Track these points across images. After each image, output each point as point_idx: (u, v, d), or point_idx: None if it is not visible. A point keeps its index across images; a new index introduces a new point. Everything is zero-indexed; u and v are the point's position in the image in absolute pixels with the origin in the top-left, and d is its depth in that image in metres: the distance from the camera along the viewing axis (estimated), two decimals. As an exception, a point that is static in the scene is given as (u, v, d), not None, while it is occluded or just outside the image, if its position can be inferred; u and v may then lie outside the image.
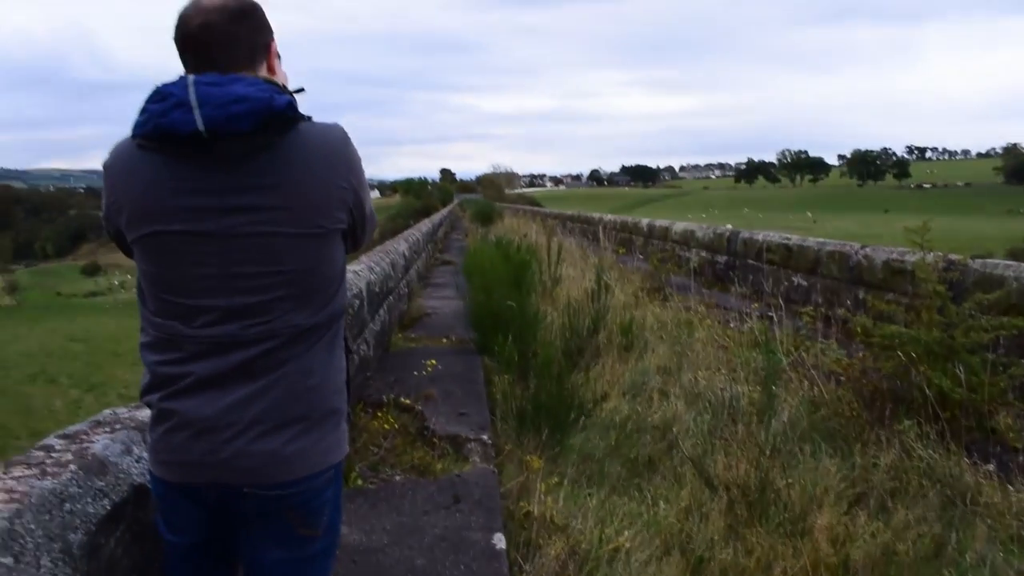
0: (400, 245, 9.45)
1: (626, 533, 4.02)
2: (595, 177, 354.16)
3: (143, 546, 1.82)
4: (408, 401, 5.16)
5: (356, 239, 1.84)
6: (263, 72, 1.73)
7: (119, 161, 1.66)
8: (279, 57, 1.80)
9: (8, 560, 1.39)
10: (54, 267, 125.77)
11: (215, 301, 1.61)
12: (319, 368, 1.69)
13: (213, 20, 1.63)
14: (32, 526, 1.49)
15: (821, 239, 10.17)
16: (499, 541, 3.48)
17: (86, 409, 35.53)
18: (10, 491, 1.56)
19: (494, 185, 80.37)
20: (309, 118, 1.68)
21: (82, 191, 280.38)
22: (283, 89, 1.66)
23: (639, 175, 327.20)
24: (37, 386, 39.71)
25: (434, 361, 6.28)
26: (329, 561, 1.84)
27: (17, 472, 1.66)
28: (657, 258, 13.30)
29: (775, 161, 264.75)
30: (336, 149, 1.69)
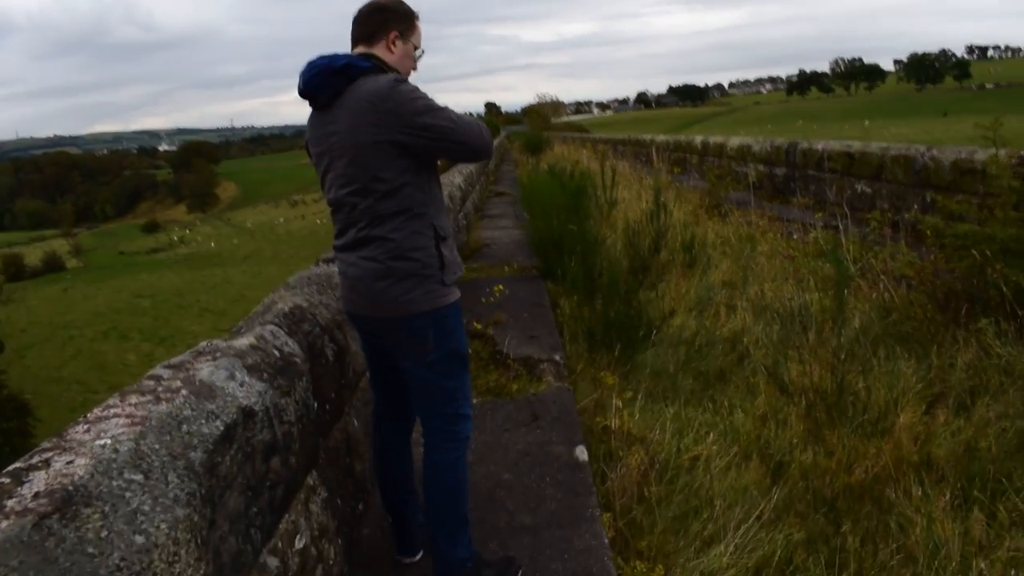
0: (455, 178, 9.45)
1: (704, 442, 4.05)
2: (642, 100, 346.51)
3: (253, 465, 1.89)
4: (479, 327, 5.22)
5: (446, 151, 2.42)
6: (379, 49, 2.49)
7: None
8: (401, 40, 2.52)
9: (139, 477, 1.47)
10: (115, 227, 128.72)
11: (336, 195, 2.46)
12: (398, 243, 2.39)
13: (363, 9, 2.52)
14: (156, 446, 1.56)
15: (884, 144, 9.88)
16: (581, 453, 3.54)
17: (158, 361, 36.65)
18: (130, 416, 1.63)
19: (540, 115, 79.12)
20: (380, 70, 2.40)
21: (135, 151, 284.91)
22: (372, 58, 2.43)
23: (687, 95, 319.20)
24: (110, 342, 41.14)
25: (502, 287, 6.32)
26: (450, 366, 2.53)
27: (133, 399, 1.74)
28: (714, 175, 13.07)
29: (828, 71, 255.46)
30: (377, 90, 2.31)
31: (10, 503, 1.29)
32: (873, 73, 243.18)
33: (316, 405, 2.44)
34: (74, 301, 52.05)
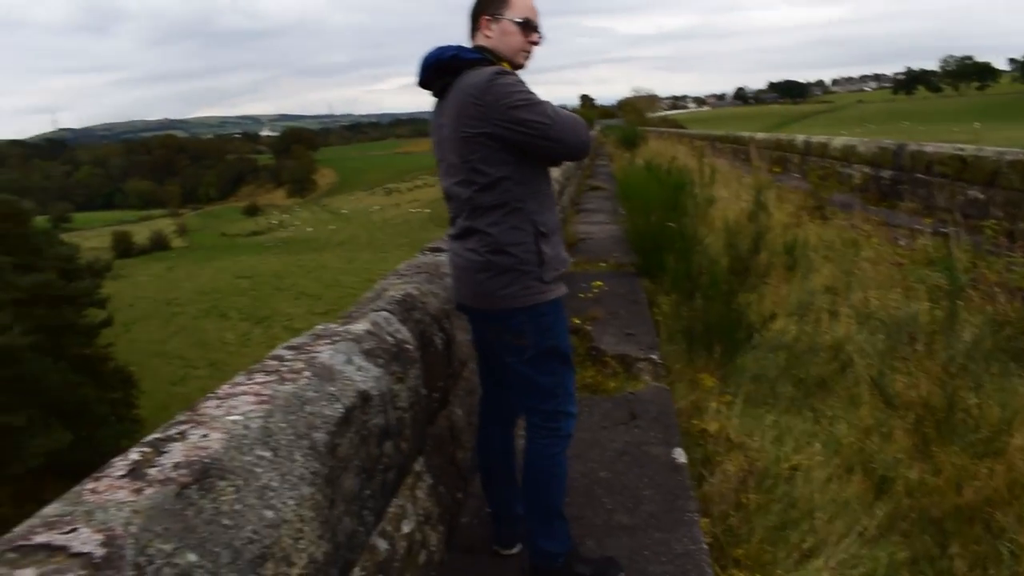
0: (553, 172, 9.44)
1: (804, 452, 3.96)
2: (740, 96, 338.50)
3: (368, 449, 1.94)
4: (577, 321, 5.22)
5: (541, 148, 2.38)
6: (479, 39, 2.53)
7: None
8: (494, 21, 2.48)
9: (268, 454, 1.52)
10: (218, 209, 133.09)
11: (445, 184, 2.53)
12: (495, 237, 2.41)
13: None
14: (282, 425, 1.62)
15: (999, 148, 9.44)
16: (679, 455, 3.51)
17: (255, 341, 37.96)
18: (258, 394, 1.69)
19: (635, 109, 78.27)
20: (487, 62, 2.41)
21: (238, 136, 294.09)
22: (480, 50, 2.46)
23: (788, 91, 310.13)
24: (210, 320, 42.73)
25: (600, 283, 6.30)
26: (548, 363, 2.51)
27: (259, 378, 1.80)
28: (816, 175, 12.72)
29: (937, 69, 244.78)
30: (477, 83, 2.32)
31: (152, 472, 1.36)
32: (985, 72, 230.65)
33: (425, 393, 2.49)
34: (178, 279, 54.20)
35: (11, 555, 1.15)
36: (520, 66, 2.53)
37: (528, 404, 2.60)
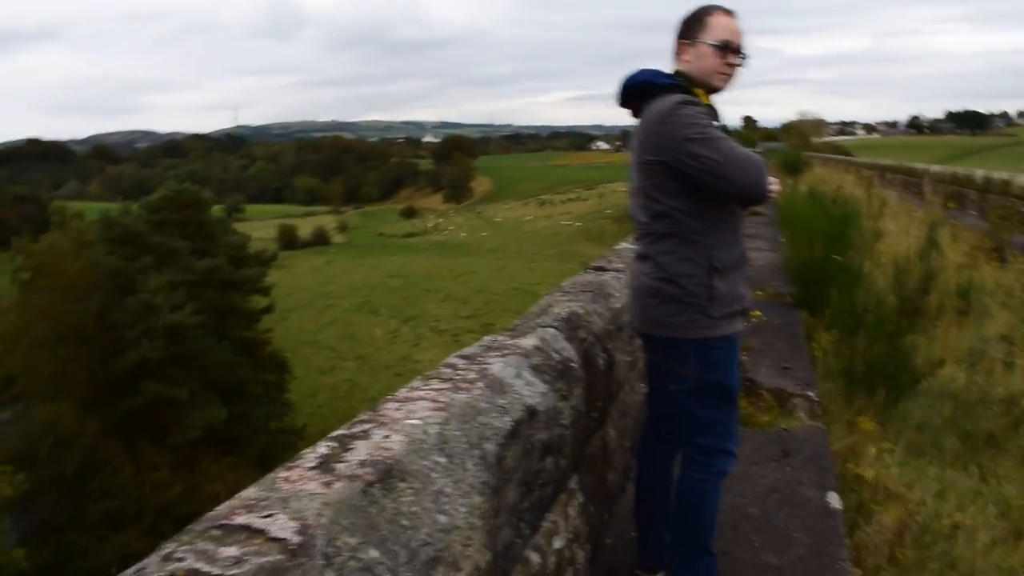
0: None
1: (967, 510, 3.75)
2: (914, 124, 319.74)
3: (530, 463, 1.99)
4: (732, 351, 5.13)
5: (710, 185, 2.32)
6: (679, 64, 2.51)
7: None
8: (690, 45, 2.45)
9: (443, 460, 1.59)
10: (377, 210, 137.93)
11: (630, 206, 2.58)
12: (665, 266, 2.42)
13: None
14: (457, 432, 1.68)
15: None
16: (834, 500, 3.39)
17: (402, 339, 39.16)
18: (434, 400, 1.77)
19: (800, 133, 75.42)
20: (678, 88, 2.39)
21: (401, 140, 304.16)
22: (676, 75, 2.47)
23: (966, 122, 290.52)
24: (361, 315, 44.37)
25: (758, 312, 6.17)
26: (709, 397, 2.49)
27: (435, 384, 1.89)
28: (996, 215, 11.95)
29: None
30: (660, 110, 2.34)
31: (340, 467, 1.45)
32: None
33: (585, 411, 2.52)
34: (335, 274, 56.61)
35: (215, 532, 1.26)
36: (717, 89, 2.47)
37: (686, 436, 2.59)
